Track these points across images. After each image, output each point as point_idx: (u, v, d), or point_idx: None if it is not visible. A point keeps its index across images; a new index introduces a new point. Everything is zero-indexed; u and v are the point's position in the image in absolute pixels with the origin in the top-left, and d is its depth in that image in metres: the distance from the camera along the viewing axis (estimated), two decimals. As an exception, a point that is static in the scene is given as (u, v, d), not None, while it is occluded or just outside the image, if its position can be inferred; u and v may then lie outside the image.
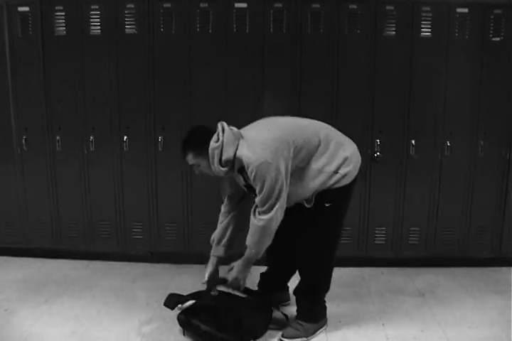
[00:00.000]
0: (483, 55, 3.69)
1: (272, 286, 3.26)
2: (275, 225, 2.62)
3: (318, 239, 2.83)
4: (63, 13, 3.70)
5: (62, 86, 3.79)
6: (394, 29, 3.66)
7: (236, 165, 2.64)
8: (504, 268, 3.94)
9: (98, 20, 3.69)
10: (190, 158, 2.75)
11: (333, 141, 2.72)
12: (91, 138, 3.80)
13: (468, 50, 3.70)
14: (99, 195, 3.90)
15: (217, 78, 3.71)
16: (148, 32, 3.68)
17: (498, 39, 3.67)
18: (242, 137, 2.65)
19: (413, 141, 3.73)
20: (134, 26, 3.69)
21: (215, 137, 2.64)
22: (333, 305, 3.28)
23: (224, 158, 2.60)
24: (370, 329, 3.05)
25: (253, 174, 2.53)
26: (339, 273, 3.80)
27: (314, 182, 2.67)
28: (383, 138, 3.73)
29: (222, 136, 2.62)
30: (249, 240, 2.70)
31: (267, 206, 2.58)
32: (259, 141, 2.58)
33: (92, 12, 3.68)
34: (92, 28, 3.71)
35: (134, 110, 3.77)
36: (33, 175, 3.91)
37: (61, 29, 3.73)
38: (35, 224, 3.99)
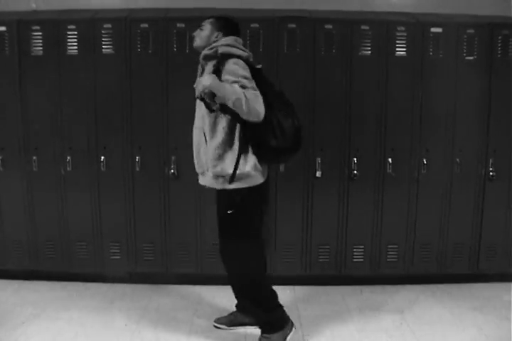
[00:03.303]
0: (458, 72, 3.76)
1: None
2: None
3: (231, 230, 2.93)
4: (40, 33, 3.70)
5: (38, 106, 3.77)
6: (369, 48, 3.70)
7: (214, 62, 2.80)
8: (482, 284, 3.97)
9: (75, 40, 3.69)
10: (207, 22, 2.97)
11: None
12: (68, 158, 3.77)
13: (444, 68, 3.76)
14: (77, 215, 3.86)
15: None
16: (125, 52, 3.69)
17: (471, 58, 3.74)
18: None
19: (390, 159, 3.76)
20: (111, 46, 3.69)
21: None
22: (312, 324, 3.30)
23: (220, 51, 2.77)
24: (350, 347, 3.04)
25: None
26: (318, 292, 3.83)
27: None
28: (360, 157, 3.76)
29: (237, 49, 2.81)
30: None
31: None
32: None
33: (69, 32, 3.68)
34: (69, 47, 3.70)
35: (111, 130, 3.76)
36: (9, 196, 3.87)
37: (38, 49, 3.72)
38: (12, 245, 3.93)
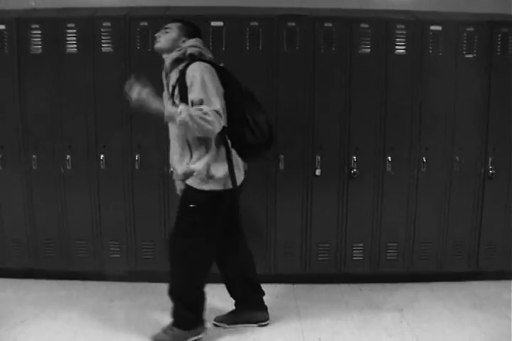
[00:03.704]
0: (457, 70, 3.76)
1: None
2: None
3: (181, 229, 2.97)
4: (39, 32, 3.69)
5: (38, 104, 3.76)
6: (369, 46, 3.70)
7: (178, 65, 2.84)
8: (481, 282, 3.97)
9: (75, 38, 3.69)
10: (174, 25, 2.95)
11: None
12: (67, 156, 3.77)
13: (443, 66, 3.76)
14: (76, 213, 3.86)
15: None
16: (125, 50, 3.68)
17: (471, 56, 3.74)
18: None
19: (389, 157, 3.76)
20: (110, 44, 3.69)
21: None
22: (312, 322, 3.30)
23: (189, 51, 2.83)
24: (350, 345, 3.05)
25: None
26: (318, 290, 3.83)
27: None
28: (359, 155, 3.76)
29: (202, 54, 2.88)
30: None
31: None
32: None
33: (68, 30, 3.67)
34: (69, 46, 3.70)
35: (111, 128, 3.76)
36: (9, 194, 3.87)
37: (37, 47, 3.71)
38: (11, 244, 3.93)
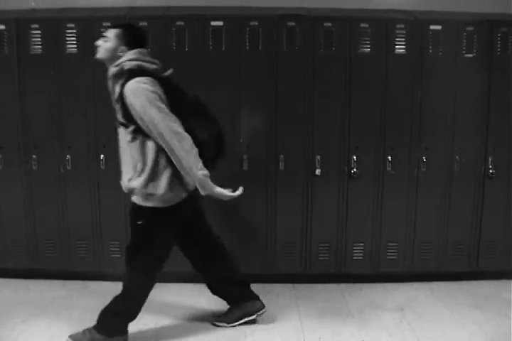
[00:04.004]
0: (457, 70, 3.76)
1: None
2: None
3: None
4: (39, 32, 3.69)
5: (37, 104, 3.76)
6: (368, 46, 3.70)
7: (118, 80, 2.74)
8: (481, 282, 3.97)
9: (74, 38, 3.69)
10: (112, 33, 2.80)
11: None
12: (67, 156, 3.77)
13: (443, 65, 3.76)
14: (76, 213, 3.86)
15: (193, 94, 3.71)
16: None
17: (470, 55, 3.74)
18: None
19: (389, 157, 3.76)
20: (110, 44, 3.69)
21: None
22: (312, 322, 3.30)
23: (126, 67, 2.70)
24: (350, 345, 3.05)
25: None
26: (318, 290, 3.83)
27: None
28: (360, 155, 3.76)
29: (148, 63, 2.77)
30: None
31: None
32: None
33: (68, 30, 3.67)
34: (68, 46, 3.70)
35: (111, 128, 3.74)
36: (9, 194, 3.87)
37: (37, 47, 3.71)
38: (11, 244, 3.93)
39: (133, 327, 3.06)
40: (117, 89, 2.72)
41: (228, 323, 3.25)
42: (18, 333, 3.15)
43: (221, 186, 2.80)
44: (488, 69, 3.75)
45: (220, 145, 2.87)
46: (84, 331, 2.99)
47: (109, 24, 3.62)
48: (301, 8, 3.83)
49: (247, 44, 3.68)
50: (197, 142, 2.68)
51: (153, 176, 2.71)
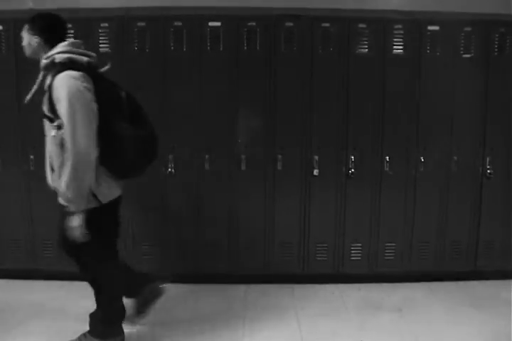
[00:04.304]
0: (455, 70, 3.77)
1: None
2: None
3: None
4: (37, 32, 3.69)
5: (35, 105, 3.75)
6: (366, 46, 3.70)
7: (49, 72, 2.62)
8: (479, 282, 3.97)
9: (72, 39, 3.68)
10: (24, 30, 2.73)
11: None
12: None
13: (441, 66, 3.76)
14: (75, 214, 3.85)
15: (192, 94, 3.73)
16: (123, 50, 3.68)
17: (468, 56, 3.74)
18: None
19: (387, 157, 3.76)
20: (108, 45, 3.69)
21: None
22: (310, 322, 3.30)
23: (57, 60, 2.59)
24: (348, 345, 3.05)
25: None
26: (316, 290, 3.82)
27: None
28: (357, 155, 3.76)
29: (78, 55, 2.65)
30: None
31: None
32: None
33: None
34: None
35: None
36: (7, 194, 3.87)
37: (35, 48, 3.71)
38: (9, 244, 3.93)
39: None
40: (48, 80, 2.61)
41: (138, 317, 3.15)
42: (16, 334, 3.15)
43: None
44: (485, 70, 3.76)
45: (152, 148, 2.81)
46: (79, 337, 2.98)
47: (106, 25, 3.66)
48: (298, 8, 3.82)
49: (245, 44, 3.68)
50: (120, 143, 2.61)
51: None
